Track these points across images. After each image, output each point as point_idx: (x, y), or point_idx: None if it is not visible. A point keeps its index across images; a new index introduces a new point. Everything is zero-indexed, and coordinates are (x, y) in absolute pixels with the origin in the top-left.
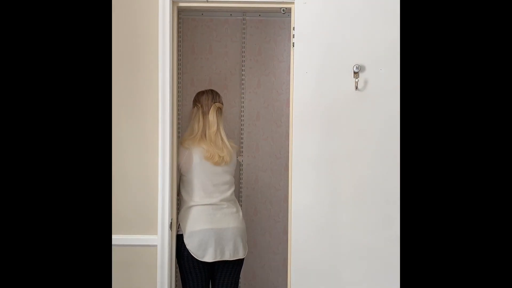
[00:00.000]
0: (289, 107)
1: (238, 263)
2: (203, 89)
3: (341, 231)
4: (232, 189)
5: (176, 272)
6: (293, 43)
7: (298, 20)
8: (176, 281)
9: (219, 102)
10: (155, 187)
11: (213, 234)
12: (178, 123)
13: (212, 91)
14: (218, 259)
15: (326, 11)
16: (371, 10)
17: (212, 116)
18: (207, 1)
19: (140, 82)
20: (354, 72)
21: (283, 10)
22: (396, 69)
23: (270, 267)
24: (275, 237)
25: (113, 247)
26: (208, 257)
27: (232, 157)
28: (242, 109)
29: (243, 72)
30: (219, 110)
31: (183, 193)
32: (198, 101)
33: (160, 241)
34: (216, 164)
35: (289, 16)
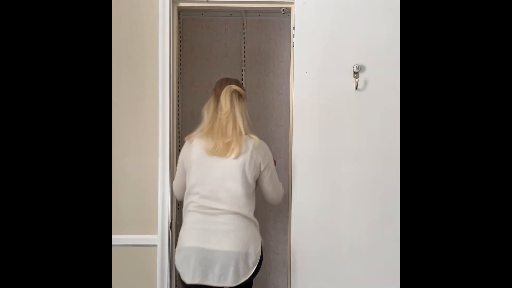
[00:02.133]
0: (289, 107)
1: None
2: (202, 88)
3: (341, 231)
4: (240, 202)
5: (176, 272)
6: (293, 43)
7: (298, 20)
8: (176, 281)
9: (237, 85)
10: (155, 187)
11: (196, 253)
12: (178, 123)
13: (229, 78)
14: (196, 282)
15: (326, 11)
16: (371, 10)
17: (224, 97)
18: (207, 1)
19: (140, 82)
20: (354, 72)
21: (283, 10)
22: (396, 69)
23: (270, 267)
24: (275, 237)
25: (113, 247)
26: (188, 278)
27: (247, 150)
28: None
29: (243, 72)
30: (236, 93)
31: (185, 195)
32: (214, 88)
33: (160, 241)
34: (220, 155)
35: (289, 16)
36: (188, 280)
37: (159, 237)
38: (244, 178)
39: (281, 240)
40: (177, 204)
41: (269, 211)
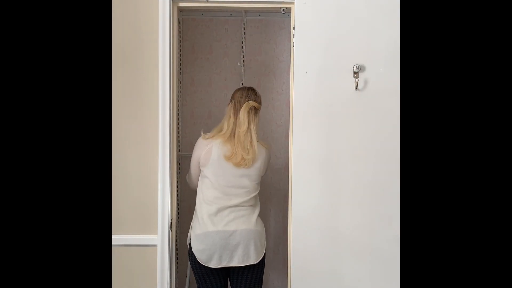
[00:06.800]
0: (289, 107)
1: (253, 268)
2: (203, 88)
3: (341, 231)
4: (252, 194)
5: (176, 272)
6: (293, 43)
7: (298, 20)
8: (176, 281)
9: (255, 101)
10: (155, 187)
11: (218, 238)
12: (178, 123)
13: (249, 88)
14: (224, 265)
15: (326, 11)
16: (371, 10)
17: (243, 114)
18: (207, 1)
19: (140, 82)
20: (354, 72)
21: (283, 10)
22: (396, 69)
23: (270, 267)
24: (275, 237)
25: (113, 247)
26: (213, 263)
27: (256, 162)
28: None
29: (243, 72)
30: (253, 110)
31: (198, 190)
32: (233, 97)
33: (160, 241)
34: (237, 165)
35: (289, 16)
36: (214, 265)
37: (159, 237)
38: (256, 177)
39: (281, 240)
40: (177, 204)
41: (269, 211)
